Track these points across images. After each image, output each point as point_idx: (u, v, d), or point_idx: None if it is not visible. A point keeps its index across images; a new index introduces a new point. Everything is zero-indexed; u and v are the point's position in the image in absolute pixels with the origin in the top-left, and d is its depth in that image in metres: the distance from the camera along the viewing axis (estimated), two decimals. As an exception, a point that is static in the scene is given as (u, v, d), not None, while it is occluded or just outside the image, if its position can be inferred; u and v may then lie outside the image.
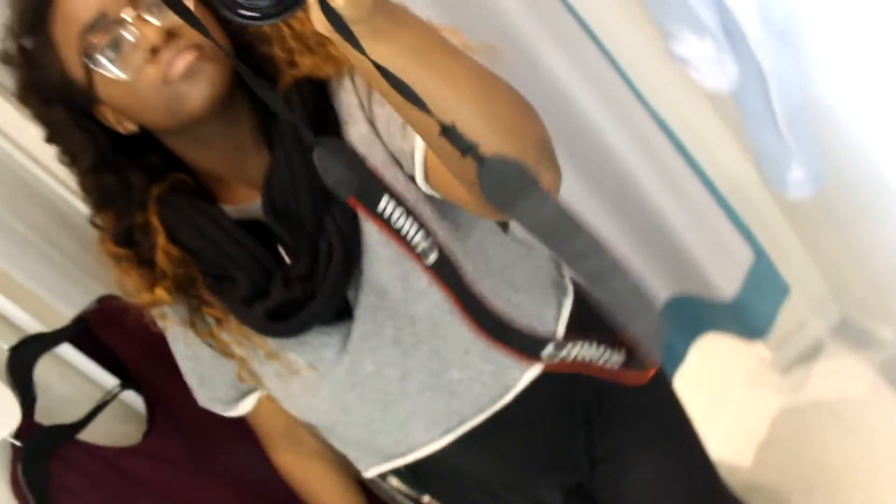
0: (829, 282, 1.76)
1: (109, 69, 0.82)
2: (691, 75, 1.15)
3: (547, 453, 1.08)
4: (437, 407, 1.00)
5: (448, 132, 0.58)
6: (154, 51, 0.81)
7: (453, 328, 0.95)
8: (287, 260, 0.93)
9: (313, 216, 0.90)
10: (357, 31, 0.57)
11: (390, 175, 0.89)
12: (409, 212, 0.73)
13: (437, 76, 0.65)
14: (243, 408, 1.07)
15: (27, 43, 0.87)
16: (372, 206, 0.70)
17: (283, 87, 0.90)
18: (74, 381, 1.26)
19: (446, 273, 0.80)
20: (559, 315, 1.04)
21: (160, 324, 0.99)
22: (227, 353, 0.98)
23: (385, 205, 0.71)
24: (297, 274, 0.91)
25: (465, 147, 0.58)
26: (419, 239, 0.76)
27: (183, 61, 0.81)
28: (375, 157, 0.90)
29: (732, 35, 1.09)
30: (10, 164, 1.38)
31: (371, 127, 0.90)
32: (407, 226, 0.75)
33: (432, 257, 0.78)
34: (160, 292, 0.93)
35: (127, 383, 1.29)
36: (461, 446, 1.03)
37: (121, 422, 1.27)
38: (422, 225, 0.75)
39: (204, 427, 1.27)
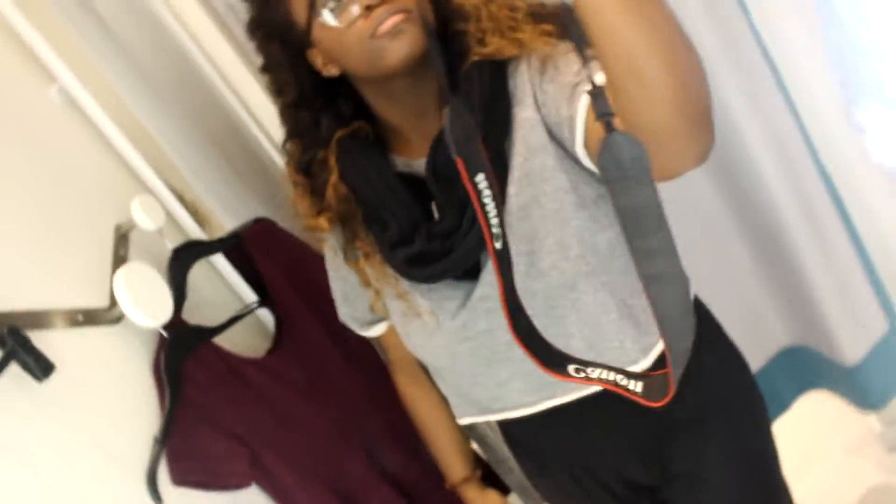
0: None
1: (328, 18, 0.94)
2: (867, 146, 1.13)
3: (626, 449, 1.14)
4: (534, 376, 1.05)
5: (595, 93, 0.63)
6: (369, 8, 0.92)
7: (585, 300, 1.02)
8: (436, 216, 1.04)
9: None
10: None
11: (539, 161, 0.98)
12: (495, 198, 0.82)
13: (641, 22, 0.68)
14: (375, 331, 1.22)
15: None
16: (471, 174, 0.79)
17: (469, 61, 0.99)
18: (220, 290, 1.39)
19: (504, 263, 0.87)
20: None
21: (318, 245, 1.15)
22: (367, 283, 1.13)
23: (482, 180, 0.80)
24: (441, 230, 1.02)
25: (603, 112, 0.62)
26: (495, 223, 0.84)
27: (391, 21, 0.92)
28: (534, 141, 0.98)
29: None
30: (211, 90, 1.52)
31: (537, 112, 0.98)
32: (491, 208, 0.83)
33: (499, 244, 0.86)
34: (322, 221, 1.07)
35: (264, 301, 1.41)
36: (549, 419, 1.11)
37: (251, 335, 1.39)
38: (501, 217, 0.83)
39: (320, 357, 1.39)
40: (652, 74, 0.68)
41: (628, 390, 0.95)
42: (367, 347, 1.46)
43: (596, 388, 1.06)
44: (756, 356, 1.74)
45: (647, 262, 0.67)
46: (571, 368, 0.98)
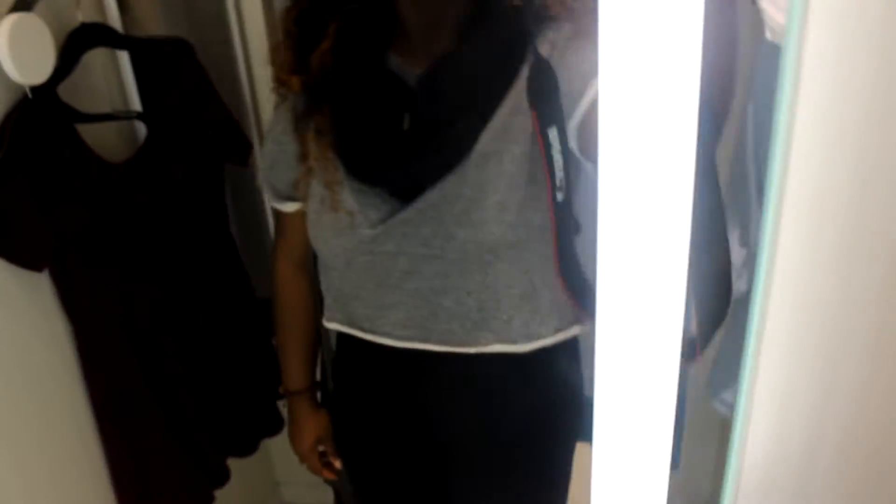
0: None
1: None
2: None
3: (466, 418, 1.16)
4: (416, 316, 1.09)
5: None
6: None
7: (497, 266, 1.04)
8: (405, 126, 1.03)
9: (453, 109, 0.99)
10: None
11: (521, 120, 0.98)
12: (563, 154, 0.83)
13: None
14: (286, 207, 1.20)
15: None
16: (543, 126, 0.80)
17: (514, 2, 0.99)
18: (109, 85, 1.37)
19: (562, 214, 0.91)
20: None
21: (276, 98, 1.13)
22: (304, 158, 1.11)
23: (553, 134, 0.82)
24: (403, 141, 1.02)
25: None
26: (560, 176, 0.86)
27: None
28: (523, 103, 0.97)
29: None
30: None
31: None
32: (558, 161, 0.86)
33: (560, 195, 0.89)
34: (295, 80, 1.07)
35: (144, 116, 1.39)
36: (409, 361, 1.12)
37: (118, 142, 1.38)
38: (566, 172, 0.85)
39: (168, 194, 1.38)
40: None
41: None
42: (222, 216, 1.48)
43: (466, 349, 1.08)
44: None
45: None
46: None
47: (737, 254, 1.17)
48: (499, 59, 0.99)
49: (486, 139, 0.99)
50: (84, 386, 1.32)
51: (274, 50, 1.10)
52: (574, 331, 1.13)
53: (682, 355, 0.88)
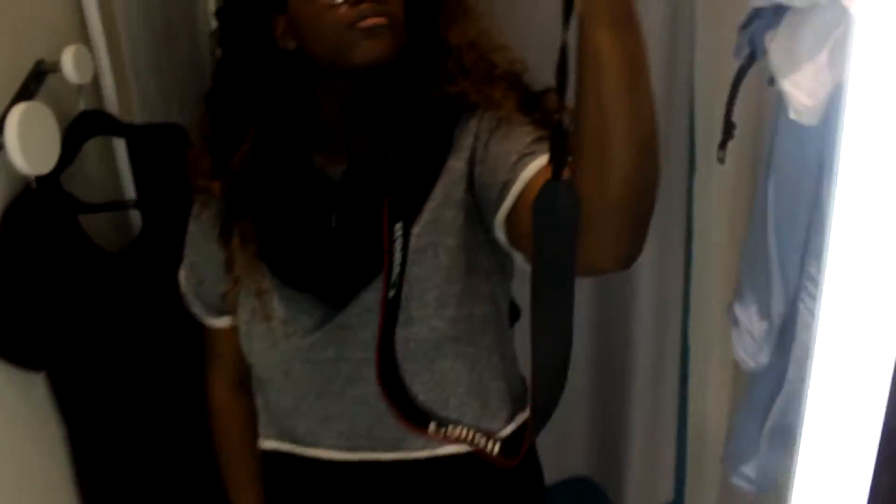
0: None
1: None
2: (733, 337, 1.22)
3: None
4: (361, 424, 1.05)
5: (558, 131, 0.62)
6: None
7: (442, 363, 1.02)
8: (332, 226, 1.00)
9: (374, 200, 0.96)
10: (600, 9, 0.64)
11: (451, 213, 0.97)
12: (404, 251, 0.84)
13: (627, 85, 0.68)
14: (216, 322, 1.14)
15: None
16: (391, 219, 0.81)
17: (433, 92, 0.98)
18: (107, 173, 1.33)
19: (391, 313, 0.88)
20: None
21: (197, 207, 1.08)
22: (231, 267, 1.06)
23: (398, 230, 0.83)
24: (333, 242, 0.99)
25: (559, 159, 0.62)
26: (396, 272, 0.85)
27: (375, 20, 0.90)
28: (454, 192, 0.98)
29: (787, 334, 1.17)
30: None
31: (468, 166, 0.97)
32: (398, 258, 0.85)
33: (391, 293, 0.88)
34: (216, 185, 1.03)
35: (140, 204, 1.35)
36: (355, 474, 1.07)
37: (113, 231, 1.33)
38: (404, 267, 0.86)
39: (162, 284, 1.34)
40: (620, 145, 0.68)
41: (485, 451, 0.97)
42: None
43: (418, 454, 1.05)
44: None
45: (542, 311, 0.67)
46: (432, 426, 1.00)
47: (757, 327, 1.17)
48: (421, 150, 0.98)
49: (418, 233, 0.98)
50: (77, 489, 1.24)
51: (191, 156, 1.07)
52: (523, 417, 1.10)
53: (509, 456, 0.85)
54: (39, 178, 1.08)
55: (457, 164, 0.99)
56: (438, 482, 1.08)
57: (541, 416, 0.76)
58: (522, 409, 1.11)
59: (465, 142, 0.98)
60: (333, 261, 0.99)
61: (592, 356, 1.74)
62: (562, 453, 1.80)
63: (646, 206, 0.73)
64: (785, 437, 1.22)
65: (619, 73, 0.66)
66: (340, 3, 0.90)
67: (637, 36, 0.67)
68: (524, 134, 0.92)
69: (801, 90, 0.96)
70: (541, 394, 0.73)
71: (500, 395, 1.08)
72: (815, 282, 1.08)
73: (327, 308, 1.02)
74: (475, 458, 1.05)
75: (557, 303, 0.66)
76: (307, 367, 1.04)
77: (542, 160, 0.86)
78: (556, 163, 0.62)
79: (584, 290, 1.64)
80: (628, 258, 0.76)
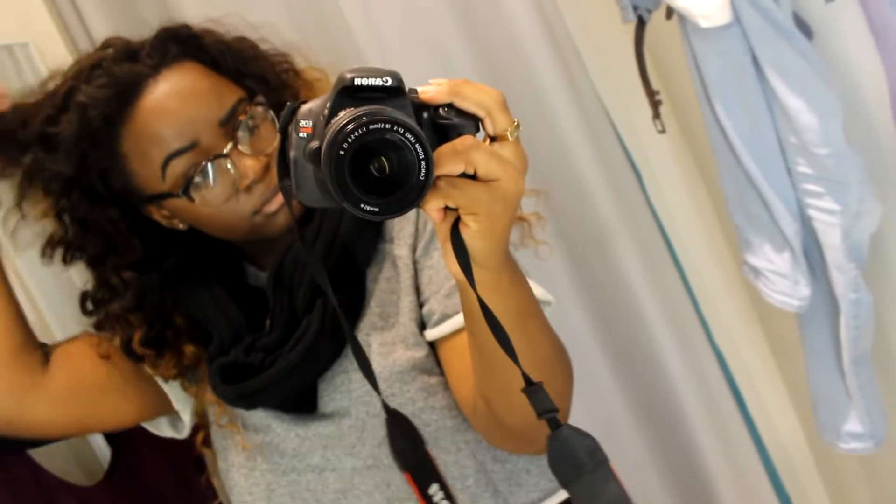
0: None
1: (199, 197, 0.86)
2: (760, 288, 1.11)
3: None
4: None
5: (533, 391, 0.60)
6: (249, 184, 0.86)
7: (442, 458, 0.88)
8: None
9: (307, 295, 0.89)
10: (479, 274, 0.61)
11: (409, 300, 0.90)
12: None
13: (524, 338, 0.65)
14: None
15: (85, 147, 0.87)
16: (423, 487, 0.77)
17: None
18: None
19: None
20: None
21: None
22: (198, 412, 0.98)
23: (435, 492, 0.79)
24: (265, 343, 0.89)
25: (545, 409, 0.59)
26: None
27: (279, 200, 0.86)
28: (404, 280, 0.91)
29: (811, 254, 1.06)
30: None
31: (412, 255, 0.92)
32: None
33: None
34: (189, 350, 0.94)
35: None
36: None
37: (81, 460, 1.19)
38: None
39: (155, 496, 1.19)
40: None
41: None
42: (209, 488, 1.28)
43: None
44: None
45: None
46: None
47: (780, 263, 1.07)
48: (344, 230, 0.92)
49: (371, 321, 0.91)
50: None
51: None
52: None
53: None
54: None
55: (402, 252, 0.92)
56: None
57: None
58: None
59: (407, 231, 0.92)
60: (272, 359, 0.89)
61: (642, 424, 1.59)
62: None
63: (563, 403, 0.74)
64: (869, 367, 1.08)
65: (516, 331, 0.63)
66: (234, 196, 0.86)
67: (522, 293, 0.68)
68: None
69: (698, -2, 0.94)
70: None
71: (507, 478, 0.92)
72: (813, 178, 0.99)
73: (299, 419, 0.91)
74: None
75: None
76: (292, 479, 0.92)
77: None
78: (545, 415, 0.60)
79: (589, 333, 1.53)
80: None
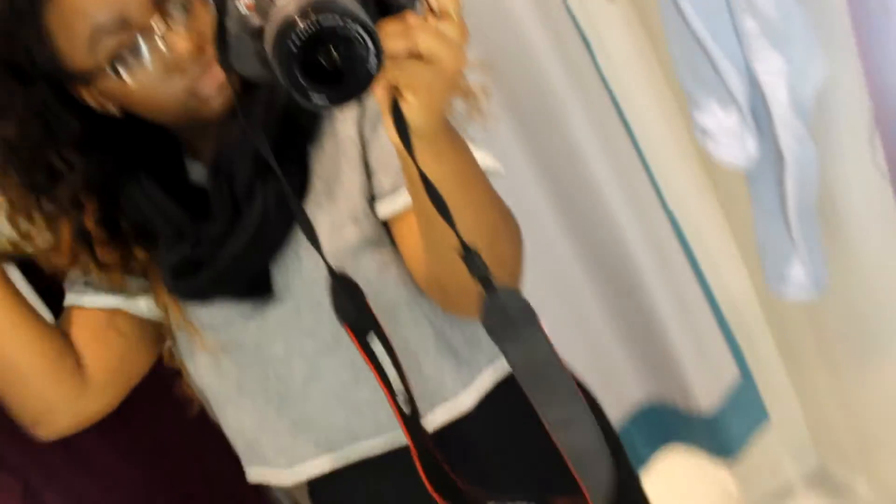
0: (811, 425, 1.68)
1: (129, 75, 0.81)
2: (709, 148, 1.12)
3: None
4: (336, 422, 0.92)
5: (470, 256, 0.62)
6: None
7: (401, 331, 0.90)
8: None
9: (247, 181, 0.87)
10: (419, 145, 0.62)
11: (356, 176, 0.88)
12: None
13: (468, 205, 0.68)
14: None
15: (9, 25, 0.81)
16: (361, 337, 0.73)
17: None
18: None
19: (413, 423, 0.81)
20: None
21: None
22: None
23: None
24: (209, 235, 0.88)
25: (480, 274, 0.62)
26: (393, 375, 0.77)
27: (213, 81, 0.82)
28: (350, 157, 0.89)
29: (758, 113, 1.07)
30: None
31: (357, 130, 0.89)
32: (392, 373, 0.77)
33: (406, 408, 0.80)
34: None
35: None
36: (355, 474, 0.95)
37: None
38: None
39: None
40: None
41: None
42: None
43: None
44: (611, 414, 1.69)
45: (552, 409, 0.67)
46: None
47: (727, 119, 1.08)
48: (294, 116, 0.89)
49: (316, 200, 0.89)
50: None
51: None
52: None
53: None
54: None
55: (348, 131, 0.89)
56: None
57: (596, 499, 0.72)
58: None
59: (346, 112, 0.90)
60: (213, 250, 0.88)
61: (598, 291, 1.64)
62: (615, 391, 1.67)
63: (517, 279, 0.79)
64: (814, 218, 1.12)
65: (458, 196, 0.66)
66: (167, 76, 0.81)
67: (463, 158, 0.69)
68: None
69: None
70: (588, 482, 0.71)
71: (467, 341, 0.95)
72: (758, 34, 0.99)
73: (255, 307, 0.91)
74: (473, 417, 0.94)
75: (563, 395, 0.67)
76: (258, 371, 0.93)
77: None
78: (481, 279, 0.63)
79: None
80: None
